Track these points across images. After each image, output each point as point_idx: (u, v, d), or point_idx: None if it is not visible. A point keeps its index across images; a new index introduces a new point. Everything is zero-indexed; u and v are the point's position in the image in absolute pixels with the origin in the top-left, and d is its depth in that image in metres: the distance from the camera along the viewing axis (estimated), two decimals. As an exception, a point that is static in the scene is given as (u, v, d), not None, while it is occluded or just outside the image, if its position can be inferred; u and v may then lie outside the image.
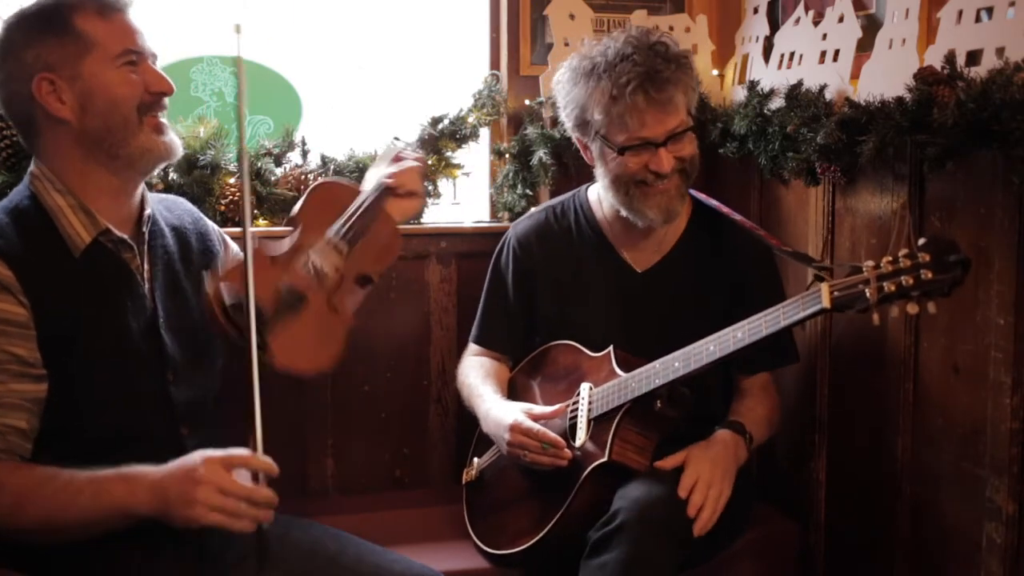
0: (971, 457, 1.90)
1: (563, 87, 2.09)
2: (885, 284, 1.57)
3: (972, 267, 1.58)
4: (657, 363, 1.93)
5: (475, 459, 2.29)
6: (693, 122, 2.06)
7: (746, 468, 2.15)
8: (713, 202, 2.17)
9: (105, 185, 1.67)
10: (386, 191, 1.91)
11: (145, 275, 1.71)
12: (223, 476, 1.50)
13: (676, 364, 1.89)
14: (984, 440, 1.86)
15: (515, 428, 2.02)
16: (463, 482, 2.30)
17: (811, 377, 2.33)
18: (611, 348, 2.08)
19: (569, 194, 2.32)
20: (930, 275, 1.54)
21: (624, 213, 2.11)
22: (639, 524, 1.82)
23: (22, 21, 1.65)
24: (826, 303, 1.65)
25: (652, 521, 1.83)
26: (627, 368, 2.01)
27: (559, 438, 1.99)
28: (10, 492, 1.52)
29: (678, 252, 2.18)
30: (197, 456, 1.52)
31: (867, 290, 1.59)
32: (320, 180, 2.08)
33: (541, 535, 2.00)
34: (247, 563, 1.75)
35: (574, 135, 2.13)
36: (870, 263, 1.61)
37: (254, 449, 1.55)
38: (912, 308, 1.57)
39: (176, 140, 1.73)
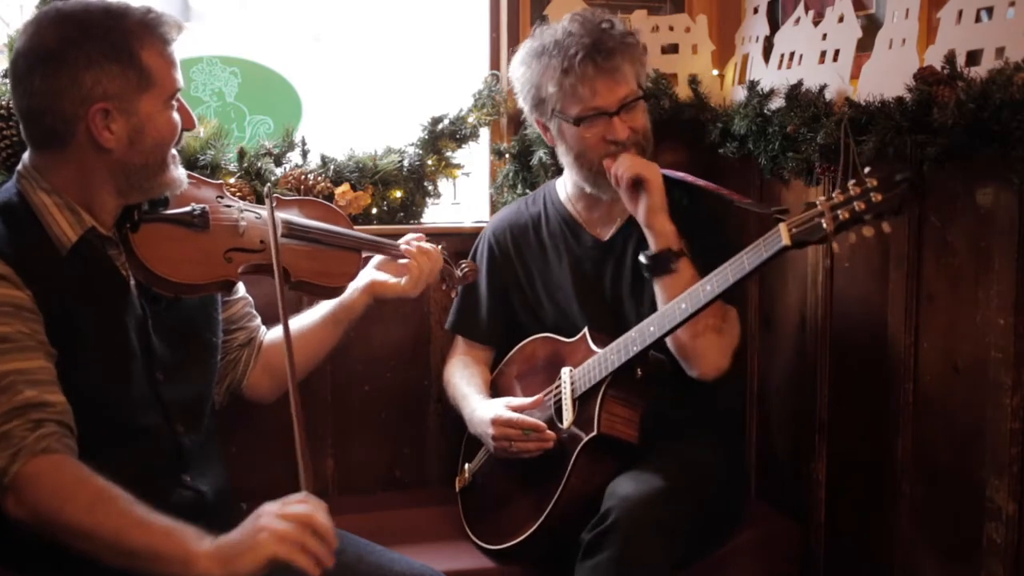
0: (971, 457, 1.90)
1: (517, 72, 2.16)
2: (839, 212, 1.65)
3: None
4: (633, 331, 1.97)
5: (466, 465, 2.30)
6: (642, 92, 2.12)
7: (738, 462, 2.16)
8: (679, 174, 2.20)
9: (105, 201, 1.65)
10: (387, 248, 2.00)
11: (131, 272, 1.70)
12: (282, 507, 1.46)
13: (652, 328, 1.92)
14: (984, 440, 1.86)
15: (496, 422, 2.06)
16: (457, 489, 2.31)
17: (811, 377, 2.33)
18: (585, 330, 2.12)
19: (541, 187, 2.41)
20: (879, 197, 1.62)
21: (589, 189, 2.17)
22: (630, 522, 1.83)
23: (85, 41, 1.56)
24: (786, 240, 1.71)
25: (643, 518, 1.84)
26: (603, 344, 2.04)
27: (539, 422, 2.03)
28: (91, 491, 1.46)
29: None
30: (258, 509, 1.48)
31: (823, 221, 1.66)
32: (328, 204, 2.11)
33: (541, 519, 2.02)
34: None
35: (532, 117, 2.20)
36: (822, 197, 1.69)
37: (305, 487, 1.53)
38: (868, 231, 1.64)
39: (183, 171, 1.74)
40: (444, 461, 2.62)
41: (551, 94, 2.08)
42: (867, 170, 1.66)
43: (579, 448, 1.98)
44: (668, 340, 2.02)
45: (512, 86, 2.23)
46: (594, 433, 1.96)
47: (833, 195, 1.67)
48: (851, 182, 1.66)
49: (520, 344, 2.29)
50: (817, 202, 1.69)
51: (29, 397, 1.48)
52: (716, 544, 2.11)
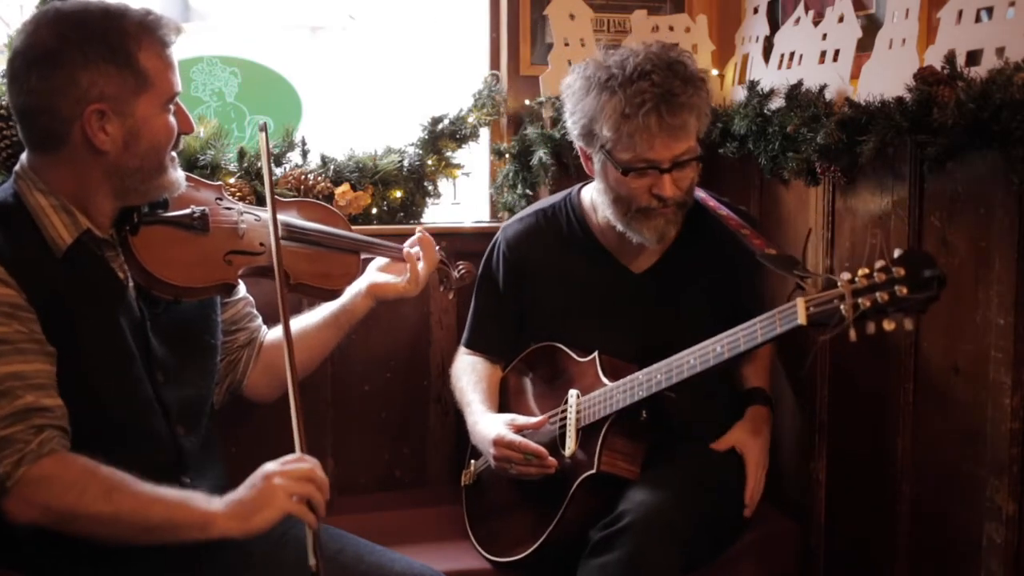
0: (971, 457, 1.90)
1: (574, 93, 2.04)
2: (860, 300, 1.57)
3: (974, 268, 1.56)
4: (640, 374, 1.93)
5: (472, 461, 2.29)
6: (700, 150, 2.02)
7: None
8: (701, 194, 2.15)
9: (101, 203, 1.65)
10: (385, 249, 2.00)
11: (129, 274, 1.70)
12: (284, 466, 1.58)
13: (659, 376, 1.89)
14: (984, 440, 1.86)
15: (498, 442, 2.02)
16: (462, 484, 2.30)
17: (811, 377, 2.33)
18: (596, 354, 2.07)
19: (561, 195, 2.30)
20: (905, 291, 1.53)
21: (620, 229, 2.08)
22: (644, 526, 1.83)
23: (83, 41, 1.56)
24: (802, 320, 1.65)
25: (657, 524, 1.84)
26: (613, 375, 2.01)
27: (541, 448, 1.99)
28: (102, 479, 1.52)
29: (675, 253, 2.17)
30: (259, 470, 1.59)
31: (843, 306, 1.58)
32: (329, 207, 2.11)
33: (536, 545, 2.01)
34: (247, 562, 1.75)
35: (578, 143, 2.09)
36: (846, 276, 1.60)
37: (300, 449, 1.64)
38: (889, 325, 1.55)
39: (182, 173, 1.74)
40: (444, 461, 2.62)
41: (605, 134, 1.96)
42: (897, 253, 1.57)
43: (577, 483, 1.97)
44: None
45: (562, 100, 2.11)
46: (593, 471, 1.95)
47: (856, 278, 1.58)
48: (877, 265, 1.57)
49: (534, 347, 2.25)
50: (839, 282, 1.60)
51: (29, 402, 1.50)
52: (719, 552, 2.10)
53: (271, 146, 2.51)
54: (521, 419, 2.07)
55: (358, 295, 1.99)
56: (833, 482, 2.29)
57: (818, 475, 2.32)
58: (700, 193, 2.16)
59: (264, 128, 1.85)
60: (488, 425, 2.08)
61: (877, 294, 1.55)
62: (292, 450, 2.53)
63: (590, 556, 1.87)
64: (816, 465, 2.32)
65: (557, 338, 2.20)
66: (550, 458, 1.98)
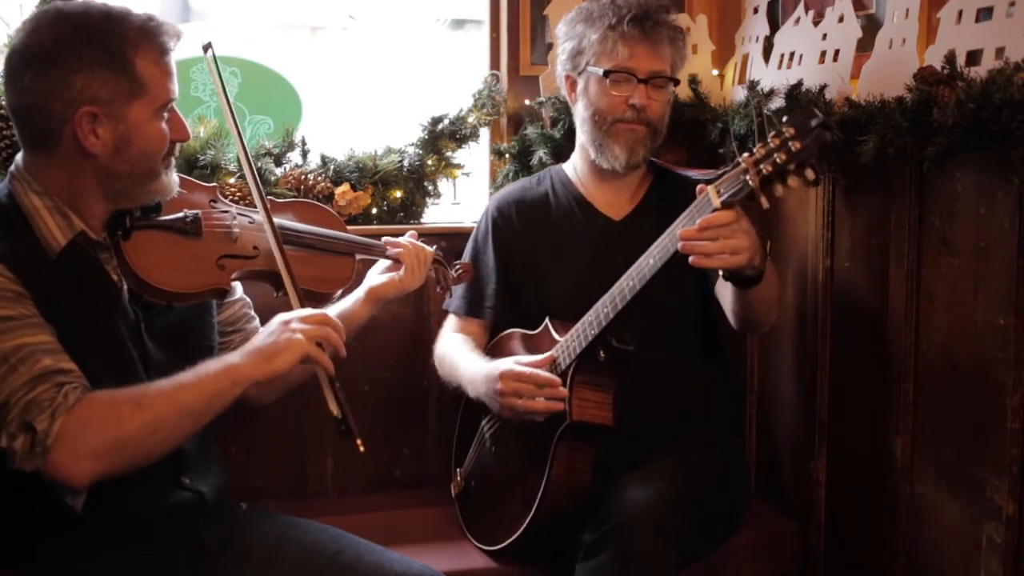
0: (971, 457, 1.90)
1: (569, 21, 2.23)
2: (762, 167, 1.65)
3: (974, 267, 1.61)
4: (587, 315, 1.97)
5: (458, 470, 2.31)
6: (676, 82, 2.20)
7: (739, 462, 2.15)
8: (658, 161, 2.29)
9: (93, 206, 1.65)
10: (379, 250, 2.00)
11: (123, 279, 1.69)
12: (303, 312, 1.63)
13: (606, 310, 1.93)
14: (984, 440, 1.86)
15: (506, 375, 2.00)
16: (453, 495, 2.32)
17: (811, 377, 2.33)
18: (547, 320, 2.12)
19: (544, 171, 2.42)
20: (799, 145, 1.61)
21: (593, 155, 2.20)
22: (632, 524, 1.83)
23: (81, 43, 1.56)
24: (716, 203, 1.73)
25: (645, 520, 1.84)
26: (565, 332, 2.04)
27: (553, 376, 1.98)
28: (126, 396, 1.52)
29: (650, 201, 2.27)
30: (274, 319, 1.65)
31: (748, 179, 1.66)
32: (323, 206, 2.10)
33: (531, 516, 2.02)
34: (247, 562, 1.75)
35: (565, 71, 2.24)
36: (745, 154, 1.69)
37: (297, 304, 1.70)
38: (793, 182, 1.64)
39: (176, 177, 1.73)
40: (444, 461, 2.61)
41: (592, 43, 2.14)
42: (784, 119, 1.66)
43: (556, 437, 1.98)
44: (729, 313, 2.08)
45: (556, 40, 2.28)
46: (568, 422, 1.96)
47: (755, 150, 1.67)
48: (770, 135, 1.65)
49: (492, 342, 2.28)
50: (740, 160, 1.69)
51: (48, 365, 1.50)
52: (717, 544, 2.11)
53: (271, 145, 2.51)
54: (527, 358, 2.06)
55: (357, 301, 1.98)
56: (833, 482, 2.29)
57: (818, 475, 2.32)
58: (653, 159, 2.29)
59: (208, 47, 1.80)
60: (493, 365, 2.06)
61: (775, 156, 1.63)
62: (292, 450, 2.55)
63: (584, 559, 1.88)
64: (816, 465, 2.32)
65: (547, 296, 2.22)
66: (561, 388, 1.96)
